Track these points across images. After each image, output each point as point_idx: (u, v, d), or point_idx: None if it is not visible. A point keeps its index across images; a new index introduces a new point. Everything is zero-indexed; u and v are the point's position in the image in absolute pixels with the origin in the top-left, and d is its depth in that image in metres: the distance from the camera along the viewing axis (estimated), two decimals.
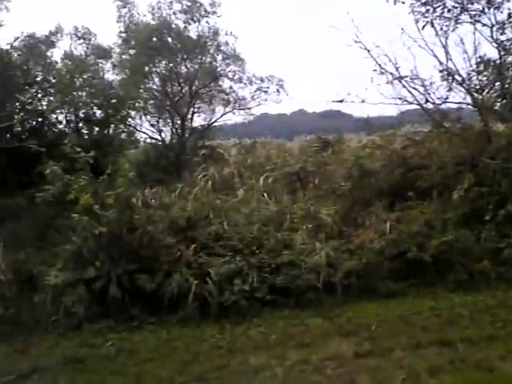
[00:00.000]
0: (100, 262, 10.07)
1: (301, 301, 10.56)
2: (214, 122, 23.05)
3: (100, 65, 21.74)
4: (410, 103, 14.54)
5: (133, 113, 22.76)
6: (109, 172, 10.85)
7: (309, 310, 10.40)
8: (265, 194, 14.60)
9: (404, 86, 14.32)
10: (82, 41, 21.52)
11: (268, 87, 22.50)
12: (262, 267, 10.79)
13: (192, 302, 10.00)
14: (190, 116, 22.28)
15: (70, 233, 11.32)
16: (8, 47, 18.77)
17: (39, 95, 20.59)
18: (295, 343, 8.92)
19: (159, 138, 23.20)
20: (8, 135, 19.47)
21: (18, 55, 19.36)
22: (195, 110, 22.81)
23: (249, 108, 23.22)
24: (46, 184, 11.14)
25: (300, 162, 16.78)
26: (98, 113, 21.70)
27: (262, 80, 22.26)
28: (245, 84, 22.27)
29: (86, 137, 20.13)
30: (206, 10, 21.10)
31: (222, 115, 23.06)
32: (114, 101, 20.85)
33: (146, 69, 21.70)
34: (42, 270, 11.82)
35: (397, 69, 14.21)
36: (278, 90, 22.58)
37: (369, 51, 14.25)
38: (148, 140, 23.88)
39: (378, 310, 10.26)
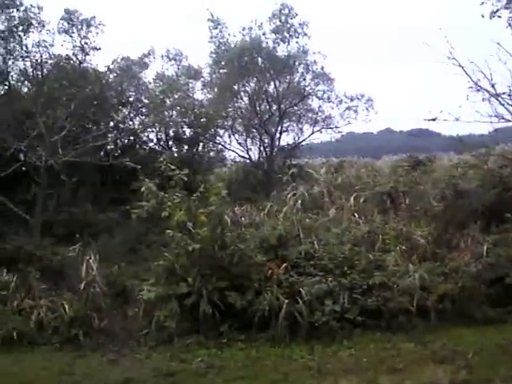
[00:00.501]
0: (192, 279, 10.15)
1: (392, 324, 10.29)
2: (303, 141, 23.02)
3: (190, 84, 22.37)
4: (508, 121, 13.92)
5: (221, 131, 23.21)
6: (201, 190, 11.00)
7: (401, 333, 10.10)
8: (355, 214, 14.38)
9: (501, 104, 13.76)
10: (173, 62, 22.26)
11: (357, 106, 22.30)
12: (354, 288, 10.57)
13: (282, 321, 9.90)
14: (277, 135, 22.34)
15: (162, 248, 11.53)
16: (105, 69, 19.54)
17: (131, 114, 21.35)
18: (387, 368, 8.61)
19: (247, 156, 23.40)
20: (101, 153, 20.25)
21: (114, 77, 20.16)
22: (283, 128, 22.84)
23: (337, 127, 23.04)
24: (137, 200, 11.41)
25: (391, 182, 16.40)
26: (188, 131, 22.30)
27: (351, 99, 22.08)
28: (333, 103, 22.14)
29: (176, 155, 20.61)
30: (295, 31, 21.22)
31: (310, 134, 23.02)
32: (203, 120, 21.34)
33: (235, 88, 22.03)
34: (134, 283, 12.18)
35: (493, 85, 13.68)
36: (367, 109, 22.33)
37: (463, 68, 13.82)
38: (236, 158, 24.14)
39: (475, 337, 9.82)
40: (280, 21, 21.30)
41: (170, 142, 22.60)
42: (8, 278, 11.68)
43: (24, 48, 18.07)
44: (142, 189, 10.73)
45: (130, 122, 21.41)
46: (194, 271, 10.25)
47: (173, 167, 10.93)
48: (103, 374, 8.88)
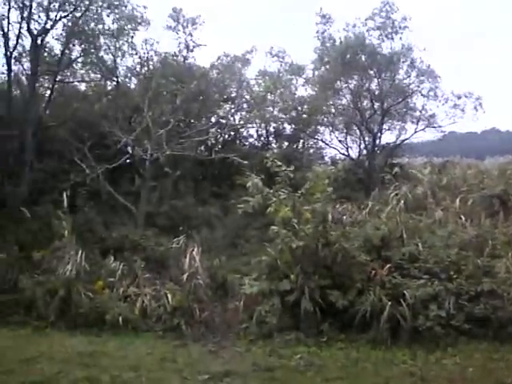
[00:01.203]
0: (294, 275, 10.10)
1: (501, 334, 9.68)
2: (405, 139, 22.32)
3: (293, 81, 22.38)
4: None
5: (321, 128, 23.02)
6: (306, 187, 10.93)
7: (510, 344, 9.52)
8: (461, 217, 13.77)
9: None
10: (276, 59, 22.34)
11: (465, 104, 21.32)
12: (460, 294, 10.07)
13: (384, 323, 9.64)
14: (379, 133, 21.82)
15: (264, 244, 11.56)
16: (209, 66, 19.95)
17: (233, 110, 21.66)
18: (495, 380, 8.09)
19: (347, 154, 23.07)
20: (202, 147, 20.69)
21: (217, 73, 20.53)
22: (385, 126, 22.30)
23: (440, 126, 22.16)
24: (237, 195, 11.49)
25: (501, 184, 15.60)
26: (288, 128, 22.33)
27: (458, 97, 21.14)
28: (439, 101, 21.31)
29: (275, 151, 20.67)
30: (398, 26, 20.65)
31: (413, 133, 22.33)
32: (304, 116, 21.29)
33: (338, 85, 21.75)
34: (234, 277, 12.30)
35: None
36: (475, 108, 21.31)
37: None
38: (335, 156, 23.88)
39: None
40: (383, 16, 20.80)
41: (270, 138, 22.76)
42: (115, 266, 12.15)
43: (132, 45, 18.77)
44: (248, 184, 10.77)
45: (231, 118, 21.73)
46: (297, 268, 10.19)
47: (279, 163, 10.92)
48: (204, 364, 8.95)
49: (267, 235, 11.36)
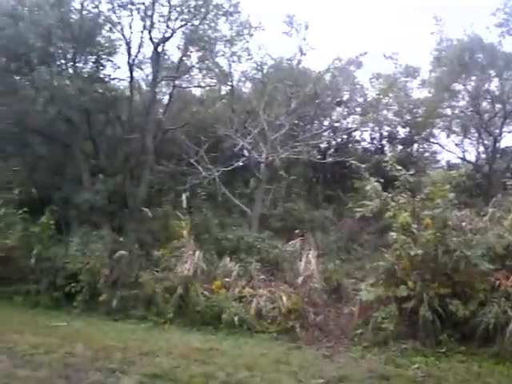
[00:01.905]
0: (412, 282, 9.80)
1: None
2: None
3: (408, 83, 21.86)
4: None
5: (437, 131, 22.30)
6: (426, 191, 10.58)
7: None
8: None
9: None
10: (390, 61, 21.90)
11: None
12: None
13: (509, 337, 9.09)
14: (499, 136, 20.74)
15: (381, 249, 11.32)
16: (323, 70, 19.88)
17: (345, 113, 21.46)
18: None
19: (464, 158, 22.13)
20: (315, 151, 20.63)
21: (330, 76, 20.42)
22: (506, 129, 21.14)
23: None
24: (349, 198, 11.28)
25: None
26: (402, 131, 21.82)
27: None
28: None
29: (390, 154, 20.22)
30: None
31: None
32: (419, 119, 20.72)
33: (454, 86, 20.93)
34: (348, 281, 12.16)
35: None
36: None
37: None
38: (451, 160, 22.96)
39: None
40: (507, 13, 19.73)
41: (384, 142, 22.34)
42: (230, 266, 12.37)
43: (246, 51, 19.10)
44: (367, 187, 10.59)
45: (344, 121, 21.56)
46: (415, 275, 9.89)
47: (398, 167, 10.67)
48: (318, 368, 8.87)
49: (381, 240, 11.13)
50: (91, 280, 12.55)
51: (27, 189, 16.02)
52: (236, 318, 10.81)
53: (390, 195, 10.51)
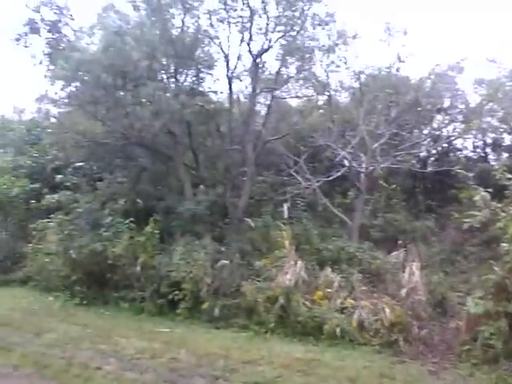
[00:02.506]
0: None
1: None
2: None
3: None
4: None
5: None
6: None
7: None
8: None
9: None
10: (493, 65, 21.02)
11: None
12: None
13: None
14: None
15: (487, 262, 10.87)
16: (423, 76, 19.39)
17: (446, 121, 20.78)
18: None
19: None
20: (414, 160, 20.12)
21: (431, 83, 19.88)
22: None
23: None
24: (453, 209, 10.88)
25: None
26: (509, 138, 20.87)
27: None
28: None
29: (496, 163, 19.41)
30: None
31: None
32: None
33: None
34: (454, 295, 11.76)
35: None
36: None
37: None
38: None
39: None
40: None
41: (488, 149, 21.46)
42: (332, 277, 12.29)
43: (343, 60, 18.96)
44: (476, 197, 10.20)
45: (445, 129, 20.89)
46: None
47: (509, 176, 10.21)
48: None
49: (487, 252, 10.68)
50: (194, 288, 12.88)
51: (132, 199, 16.72)
52: (338, 330, 10.76)
53: (499, 205, 10.06)
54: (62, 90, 17.12)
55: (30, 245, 18.28)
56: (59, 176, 18.75)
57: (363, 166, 16.15)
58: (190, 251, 13.76)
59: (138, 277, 14.13)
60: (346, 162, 16.83)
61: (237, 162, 16.93)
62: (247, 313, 12.16)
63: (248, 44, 17.19)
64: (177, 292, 13.04)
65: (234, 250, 13.89)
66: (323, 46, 18.49)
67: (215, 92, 18.40)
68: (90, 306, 14.42)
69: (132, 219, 15.00)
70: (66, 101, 18.29)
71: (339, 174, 16.55)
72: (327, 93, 19.97)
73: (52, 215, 17.69)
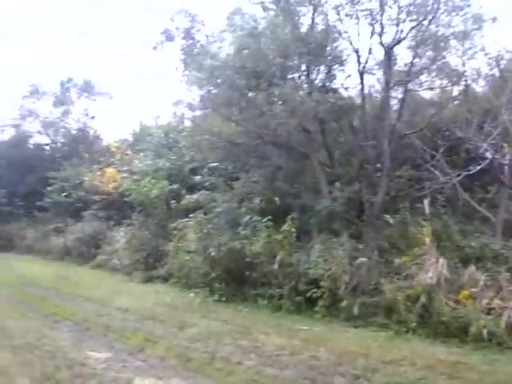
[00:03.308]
0: None
1: None
2: None
3: None
4: None
5: None
6: None
7: None
8: None
9: None
10: None
11: None
12: None
13: None
14: None
15: None
16: None
17: None
18: None
19: None
20: None
21: None
22: None
23: None
24: None
25: None
26: None
27: None
28: None
29: None
30: None
31: None
32: None
33: None
34: None
35: None
36: None
37: None
38: None
39: None
40: None
41: None
42: (476, 276, 11.79)
43: (480, 46, 18.01)
44: None
45: None
46: None
47: None
48: None
49: None
50: (332, 286, 12.93)
51: (267, 198, 17.05)
52: (485, 332, 10.29)
53: None
54: (198, 93, 17.91)
55: (171, 243, 19.30)
56: (197, 177, 19.60)
57: (507, 157, 15.26)
58: (327, 249, 13.82)
59: (275, 274, 14.41)
60: (487, 155, 15.95)
61: (372, 158, 16.65)
62: (386, 311, 12.00)
63: (380, 36, 16.86)
64: (315, 290, 13.16)
65: (371, 247, 13.73)
66: (458, 33, 17.73)
67: (346, 88, 18.31)
68: (228, 302, 14.96)
69: (269, 217, 15.32)
70: (201, 104, 19.08)
71: (480, 167, 15.74)
72: (463, 82, 19.09)
73: (191, 215, 18.53)
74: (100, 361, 9.69)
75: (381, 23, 16.75)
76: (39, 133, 44.59)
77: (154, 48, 18.42)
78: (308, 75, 17.44)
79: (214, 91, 18.01)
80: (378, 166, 16.52)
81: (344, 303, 12.57)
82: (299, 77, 17.71)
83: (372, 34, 16.87)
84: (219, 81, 17.09)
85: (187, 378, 8.72)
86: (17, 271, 24.31)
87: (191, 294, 16.01)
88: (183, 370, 9.14)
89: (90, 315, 13.71)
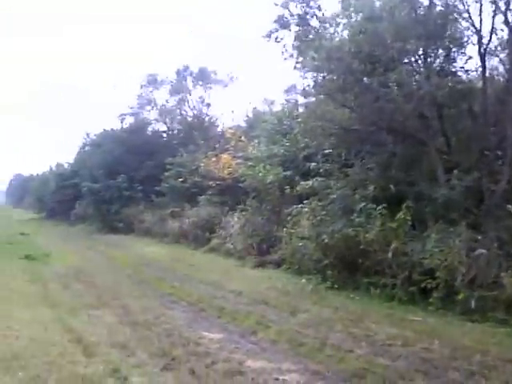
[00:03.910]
0: None
1: None
2: None
3: None
4: None
5: None
6: None
7: None
8: None
9: None
10: None
11: None
12: None
13: None
14: None
15: None
16: None
17: None
18: None
19: None
20: None
21: None
22: None
23: None
24: None
25: None
26: None
27: None
28: None
29: None
30: None
31: None
32: None
33: None
34: None
35: None
36: None
37: None
38: None
39: None
40: None
41: None
42: None
43: None
44: None
45: None
46: None
47: None
48: None
49: None
50: (448, 277, 12.51)
51: (381, 186, 16.73)
52: None
53: None
54: (312, 79, 17.84)
55: (284, 229, 19.47)
56: (312, 164, 19.59)
57: None
58: (443, 238, 13.37)
59: (389, 263, 14.17)
60: None
61: (493, 145, 15.80)
62: (506, 307, 11.42)
63: (504, 14, 15.84)
64: (429, 280, 12.77)
65: (491, 239, 13.06)
66: None
67: (467, 71, 17.48)
68: (340, 290, 14.92)
69: (383, 205, 15.07)
70: (315, 90, 19.01)
71: None
72: None
73: (305, 201, 18.58)
74: (213, 341, 10.06)
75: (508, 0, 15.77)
76: (156, 120, 46.68)
77: (268, 35, 18.59)
78: (426, 59, 16.82)
79: (329, 77, 17.87)
80: (500, 153, 15.68)
81: (460, 296, 12.08)
82: (416, 61, 17.14)
83: (495, 13, 15.91)
84: (333, 66, 16.94)
85: (298, 363, 8.80)
86: (136, 252, 25.75)
87: (303, 280, 16.11)
88: (294, 355, 9.25)
89: (205, 297, 14.25)
